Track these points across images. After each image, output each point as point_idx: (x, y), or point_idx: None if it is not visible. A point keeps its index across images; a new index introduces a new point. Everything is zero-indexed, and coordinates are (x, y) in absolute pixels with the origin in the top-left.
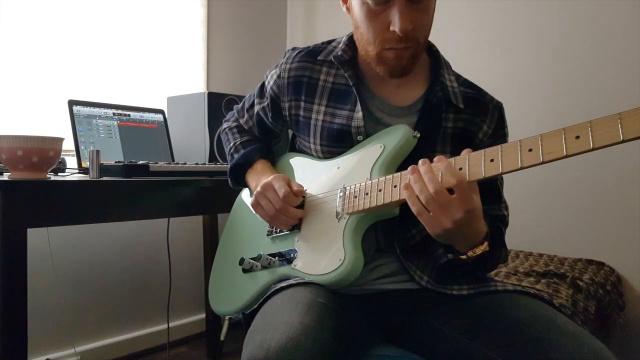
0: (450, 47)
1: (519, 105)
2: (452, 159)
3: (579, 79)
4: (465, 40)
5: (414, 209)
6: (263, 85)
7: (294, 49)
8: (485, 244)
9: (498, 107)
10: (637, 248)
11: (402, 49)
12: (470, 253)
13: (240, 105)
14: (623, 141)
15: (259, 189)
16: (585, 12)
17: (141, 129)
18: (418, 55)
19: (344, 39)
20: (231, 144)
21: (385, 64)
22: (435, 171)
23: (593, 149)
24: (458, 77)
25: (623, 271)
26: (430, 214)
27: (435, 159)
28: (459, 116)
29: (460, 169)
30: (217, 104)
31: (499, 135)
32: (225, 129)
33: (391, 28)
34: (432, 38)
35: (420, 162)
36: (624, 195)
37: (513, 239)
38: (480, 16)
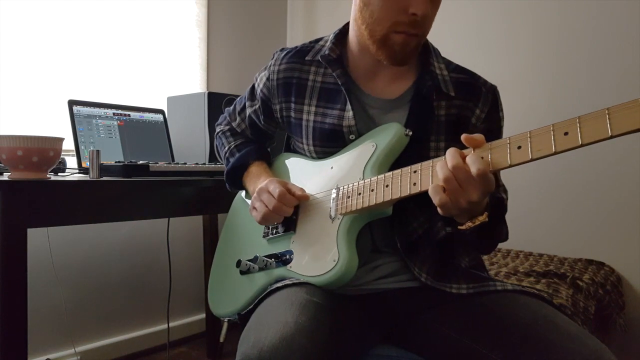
0: (454, 46)
1: (523, 104)
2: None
3: (583, 78)
4: (468, 39)
5: (435, 199)
6: (253, 87)
7: (282, 49)
8: (485, 214)
9: (492, 90)
10: (637, 248)
11: (412, 35)
12: (469, 223)
13: (231, 108)
14: (612, 137)
15: (254, 194)
16: (589, 10)
17: (141, 129)
18: (420, 47)
19: (330, 37)
20: (226, 148)
21: (388, 49)
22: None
23: (582, 145)
24: (449, 63)
25: (623, 271)
26: (448, 197)
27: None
28: (452, 103)
29: None
30: (217, 104)
31: (493, 119)
32: (218, 133)
33: (411, 10)
34: (436, 37)
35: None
36: (624, 195)
37: (513, 239)
38: (483, 15)
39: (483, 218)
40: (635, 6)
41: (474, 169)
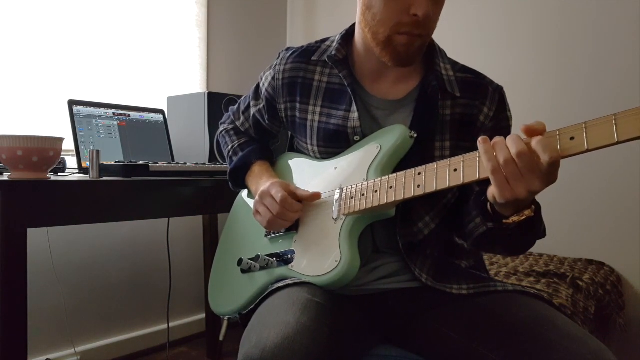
0: (455, 46)
1: (524, 104)
2: (451, 159)
3: (584, 77)
4: (471, 39)
5: (489, 166)
6: (258, 86)
7: (287, 49)
8: (532, 208)
9: (498, 90)
10: (637, 248)
11: (415, 36)
12: (515, 217)
13: (235, 107)
14: (618, 142)
15: (257, 197)
16: (590, 10)
17: (141, 129)
18: (424, 47)
19: (337, 37)
20: (229, 147)
21: (392, 50)
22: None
23: (588, 151)
24: (455, 64)
25: (623, 271)
26: (508, 180)
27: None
28: (457, 102)
29: (455, 170)
30: (217, 104)
31: (501, 118)
32: (222, 132)
33: (412, 11)
34: (437, 37)
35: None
36: (624, 196)
37: None
38: (484, 14)
39: (529, 212)
40: (635, 5)
41: (545, 157)
